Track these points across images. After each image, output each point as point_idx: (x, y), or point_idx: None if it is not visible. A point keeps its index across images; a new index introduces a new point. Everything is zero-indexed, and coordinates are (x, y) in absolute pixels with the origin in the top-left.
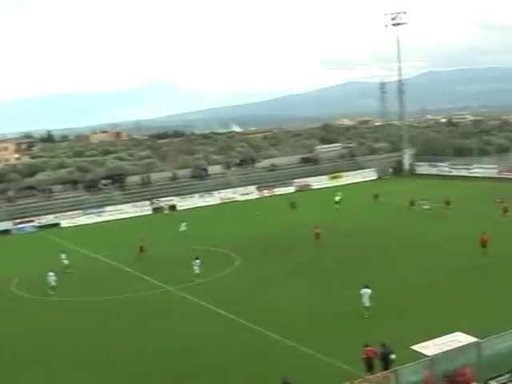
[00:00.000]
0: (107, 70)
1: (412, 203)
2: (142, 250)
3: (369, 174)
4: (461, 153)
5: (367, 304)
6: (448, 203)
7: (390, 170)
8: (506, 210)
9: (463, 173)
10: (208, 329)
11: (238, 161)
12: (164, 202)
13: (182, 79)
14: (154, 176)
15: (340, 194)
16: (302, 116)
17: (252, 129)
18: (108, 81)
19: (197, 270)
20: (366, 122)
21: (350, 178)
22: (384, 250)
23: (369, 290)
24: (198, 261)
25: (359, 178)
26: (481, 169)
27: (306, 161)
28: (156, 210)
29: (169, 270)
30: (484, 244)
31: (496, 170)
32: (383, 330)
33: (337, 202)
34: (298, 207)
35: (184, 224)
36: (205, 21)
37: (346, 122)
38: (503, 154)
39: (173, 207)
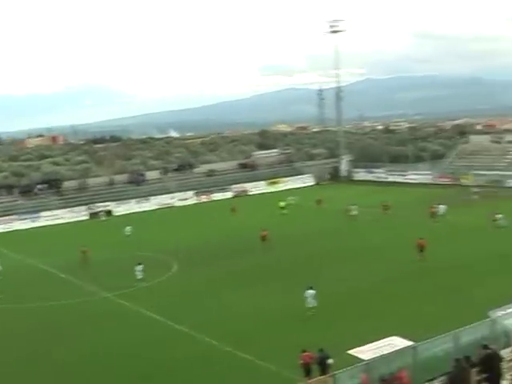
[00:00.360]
0: (38, 74)
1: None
2: (85, 256)
3: (306, 180)
4: (397, 159)
5: (312, 305)
6: (386, 208)
7: (328, 176)
8: (433, 215)
9: (399, 179)
10: (146, 335)
11: (175, 166)
12: (100, 207)
13: (119, 84)
14: (91, 181)
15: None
16: (240, 122)
17: (189, 134)
18: (41, 84)
19: (139, 275)
20: (303, 128)
21: (287, 183)
22: (323, 254)
23: (313, 291)
24: (140, 266)
25: (297, 183)
26: (416, 175)
27: (243, 166)
28: (93, 215)
29: (107, 276)
30: (421, 249)
31: (431, 176)
32: (321, 335)
33: (282, 208)
34: (237, 212)
35: (129, 228)
36: (143, 24)
37: (284, 127)
38: (438, 161)
39: (109, 213)
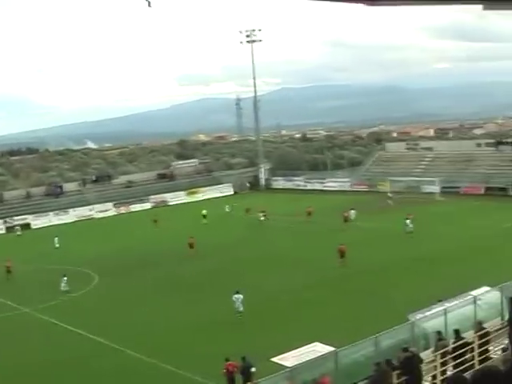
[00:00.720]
0: None
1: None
2: (8, 270)
3: (226, 189)
4: (315, 167)
5: (241, 309)
6: (310, 213)
7: (247, 185)
8: (346, 220)
9: (317, 186)
10: (68, 350)
11: (94, 177)
12: (18, 220)
13: (33, 95)
14: (7, 194)
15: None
16: (159, 132)
17: (107, 145)
18: None
19: (64, 287)
20: (222, 137)
21: (207, 193)
22: (244, 262)
23: (240, 296)
24: (65, 278)
25: (216, 193)
26: (334, 182)
27: (162, 177)
28: (9, 229)
29: (28, 290)
30: (342, 255)
31: (349, 184)
32: (244, 343)
33: (204, 216)
34: (159, 223)
35: (56, 239)
36: (59, 34)
37: (203, 137)
38: (355, 168)
39: (27, 226)
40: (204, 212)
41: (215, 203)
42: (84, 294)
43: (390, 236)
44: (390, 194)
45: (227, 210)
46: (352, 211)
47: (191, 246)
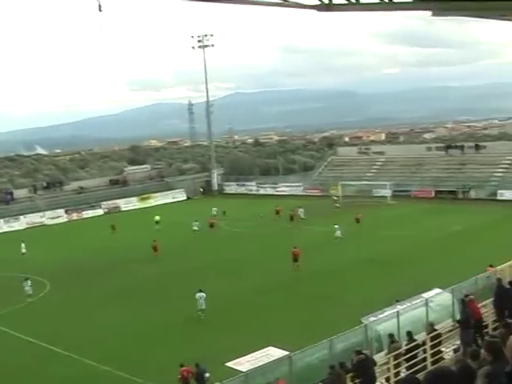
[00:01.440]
0: None
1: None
2: None
3: (179, 195)
4: (268, 172)
5: (203, 307)
6: (278, 212)
7: (200, 190)
8: (292, 218)
9: (270, 191)
10: (20, 358)
11: (45, 184)
12: None
13: None
14: None
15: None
16: (110, 137)
17: (58, 151)
18: None
19: (29, 290)
20: (174, 142)
21: (159, 199)
22: (197, 268)
23: (203, 294)
24: (28, 281)
25: (169, 198)
26: (287, 187)
27: (114, 183)
28: None
29: None
30: (295, 258)
31: (301, 188)
32: (199, 348)
33: (157, 222)
34: (116, 229)
35: (23, 245)
36: (6, 37)
37: (155, 143)
38: (308, 173)
39: None
40: (157, 218)
41: (168, 209)
42: (35, 301)
43: (341, 239)
44: (335, 198)
45: (214, 213)
46: (300, 209)
47: (155, 249)
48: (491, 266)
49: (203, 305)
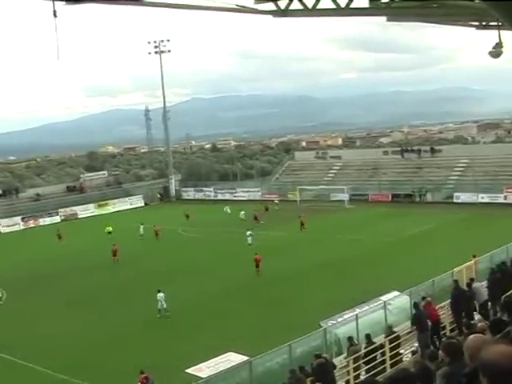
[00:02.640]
0: None
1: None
2: None
3: (136, 201)
4: (226, 177)
5: (164, 306)
6: (256, 218)
7: (158, 196)
8: (255, 218)
9: (228, 196)
10: None
11: (0, 191)
12: None
13: None
14: None
15: (110, 228)
16: (67, 144)
17: (13, 158)
18: None
19: None
20: (131, 149)
21: (117, 205)
22: (157, 274)
23: (163, 294)
24: None
25: (127, 205)
26: (245, 192)
27: (71, 189)
28: None
29: None
30: (257, 264)
31: (260, 193)
32: (158, 355)
33: (109, 233)
34: (64, 237)
35: None
36: None
37: (112, 149)
38: (266, 178)
39: None
40: (109, 229)
41: (126, 215)
42: None
43: (297, 244)
44: (276, 201)
45: (242, 217)
46: (241, 212)
47: (114, 253)
48: (474, 256)
49: (164, 304)
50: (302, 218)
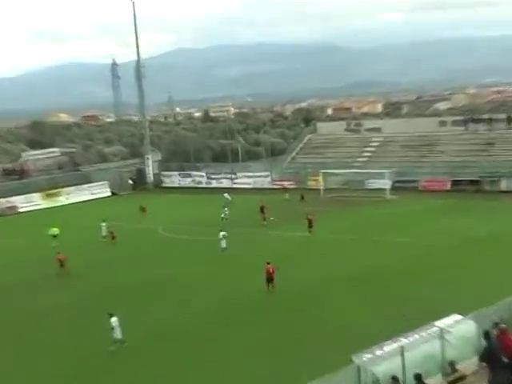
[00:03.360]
0: None
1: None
2: None
3: (99, 190)
4: (223, 157)
5: (119, 336)
6: (262, 210)
7: (130, 183)
8: (261, 211)
9: (226, 184)
10: None
11: None
12: None
13: None
14: None
15: (56, 230)
16: (3, 110)
17: None
18: None
19: None
20: (93, 117)
21: (72, 195)
22: (127, 288)
23: (116, 318)
24: None
25: (87, 195)
26: (249, 178)
27: (9, 173)
28: None
29: None
30: (270, 277)
31: (268, 179)
32: (144, 376)
33: (54, 237)
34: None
35: None
36: None
37: (65, 117)
38: (277, 158)
39: None
40: (54, 231)
41: (85, 209)
42: None
43: (319, 248)
44: (286, 196)
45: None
46: (225, 209)
47: (61, 263)
48: None
49: (119, 334)
50: (310, 216)
